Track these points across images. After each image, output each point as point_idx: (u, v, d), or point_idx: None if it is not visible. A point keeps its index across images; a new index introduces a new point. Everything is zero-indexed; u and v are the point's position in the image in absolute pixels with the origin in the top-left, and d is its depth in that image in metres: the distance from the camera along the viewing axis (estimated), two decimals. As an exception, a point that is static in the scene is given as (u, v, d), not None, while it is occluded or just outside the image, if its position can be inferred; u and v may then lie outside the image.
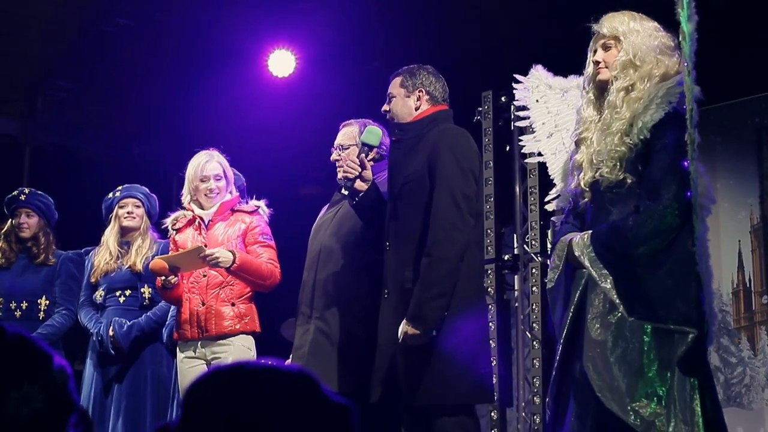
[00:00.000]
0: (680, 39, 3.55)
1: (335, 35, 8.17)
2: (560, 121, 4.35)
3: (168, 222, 5.52)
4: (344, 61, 8.50)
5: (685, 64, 3.51)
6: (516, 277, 8.38)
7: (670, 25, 3.71)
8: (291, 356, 5.12)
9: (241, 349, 5.17)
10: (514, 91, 4.56)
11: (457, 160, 4.32)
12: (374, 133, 4.54)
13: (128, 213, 5.88)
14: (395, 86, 4.58)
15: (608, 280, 3.67)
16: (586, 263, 3.74)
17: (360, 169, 4.43)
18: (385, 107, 4.59)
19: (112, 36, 8.20)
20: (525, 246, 8.30)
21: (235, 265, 5.02)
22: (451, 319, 4.24)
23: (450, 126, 4.48)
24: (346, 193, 4.46)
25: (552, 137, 4.38)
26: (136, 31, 8.14)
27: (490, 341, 7.92)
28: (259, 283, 5.18)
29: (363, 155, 4.48)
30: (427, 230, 4.25)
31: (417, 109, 4.54)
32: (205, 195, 5.32)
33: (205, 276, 5.22)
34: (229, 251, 5.05)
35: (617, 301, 3.63)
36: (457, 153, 4.34)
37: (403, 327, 4.18)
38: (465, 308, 4.30)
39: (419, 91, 4.54)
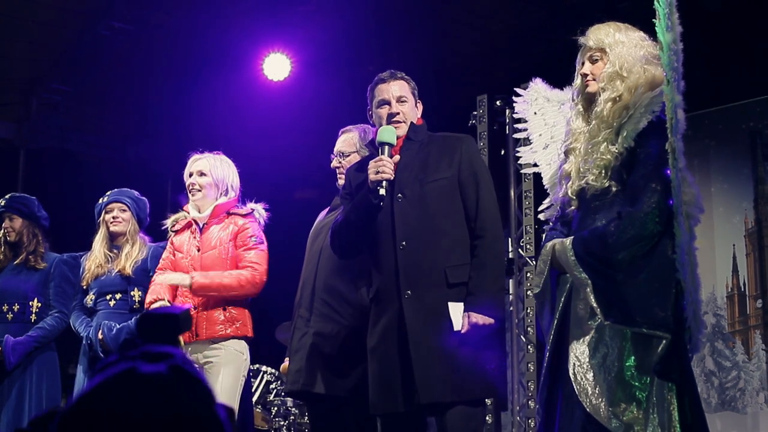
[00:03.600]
0: (659, 50, 3.58)
1: (330, 39, 8.18)
2: (556, 133, 4.38)
3: (168, 223, 5.52)
4: (339, 65, 8.51)
5: (664, 74, 3.54)
6: (511, 281, 8.39)
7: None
8: (288, 359, 5.11)
9: (233, 354, 5.15)
10: (514, 104, 4.65)
11: (486, 166, 4.58)
12: (390, 131, 4.50)
13: (113, 218, 5.89)
14: (406, 91, 4.60)
15: (587, 284, 3.69)
16: (567, 267, 3.77)
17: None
18: (398, 108, 4.55)
19: (108, 39, 8.20)
20: (520, 250, 8.32)
21: (193, 285, 5.04)
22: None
23: (461, 134, 4.72)
24: (384, 193, 4.37)
25: (548, 148, 4.42)
26: (131, 34, 8.14)
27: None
28: (233, 294, 5.15)
29: (396, 157, 4.46)
30: (463, 228, 4.37)
31: (417, 118, 4.63)
32: (189, 192, 5.34)
33: (197, 278, 5.22)
34: (187, 275, 5.06)
35: (595, 304, 3.66)
36: (482, 159, 4.64)
37: (472, 318, 4.18)
38: None
39: (419, 103, 4.67)
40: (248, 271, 5.17)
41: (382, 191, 4.32)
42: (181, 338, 5.03)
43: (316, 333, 4.86)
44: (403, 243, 4.34)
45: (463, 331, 4.17)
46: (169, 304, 5.14)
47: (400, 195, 4.40)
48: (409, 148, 4.50)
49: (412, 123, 4.54)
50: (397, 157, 4.43)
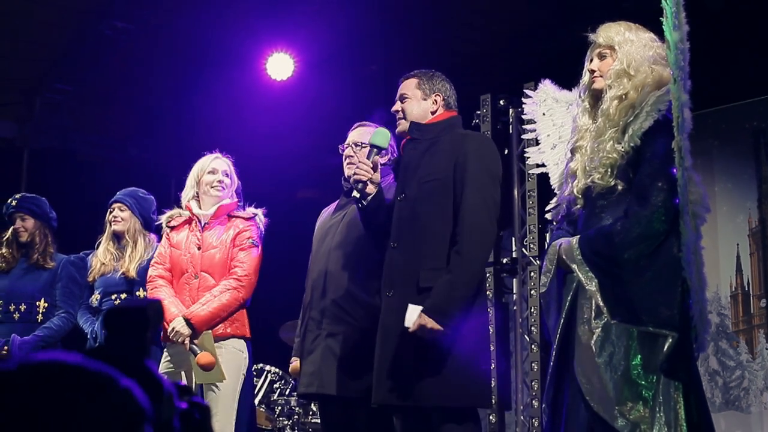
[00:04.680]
0: (666, 48, 3.59)
1: (334, 38, 8.17)
2: (564, 133, 4.38)
3: (162, 219, 5.52)
4: (343, 64, 8.51)
5: (671, 72, 3.55)
6: (514, 280, 8.39)
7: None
8: (296, 360, 5.11)
9: (233, 352, 5.16)
10: (523, 105, 4.65)
11: (487, 167, 4.35)
12: (383, 135, 4.51)
13: (114, 217, 5.91)
14: (410, 87, 4.56)
15: (594, 283, 3.70)
16: (573, 266, 3.77)
17: (372, 172, 4.41)
18: (397, 106, 4.55)
19: (110, 39, 8.20)
20: (523, 249, 8.31)
21: (196, 328, 5.04)
22: (466, 319, 4.23)
23: (473, 132, 4.55)
24: (357, 195, 4.39)
25: (555, 148, 4.43)
26: (134, 34, 8.13)
27: (489, 344, 7.95)
28: (235, 307, 5.17)
29: (376, 157, 4.46)
30: (449, 232, 4.26)
31: (433, 113, 4.54)
32: (212, 187, 5.34)
33: (197, 278, 5.22)
34: (184, 322, 5.05)
35: (601, 303, 3.66)
36: (486, 159, 4.37)
37: (422, 319, 4.08)
38: (479, 311, 4.32)
39: (436, 96, 4.55)
40: (231, 280, 5.18)
41: (355, 193, 4.35)
42: (209, 333, 5.07)
43: (330, 335, 4.85)
44: (395, 243, 4.35)
45: (410, 330, 4.10)
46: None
47: (402, 195, 4.40)
48: (413, 147, 4.48)
49: (413, 122, 4.52)
50: (377, 158, 4.44)
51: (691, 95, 3.53)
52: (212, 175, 5.37)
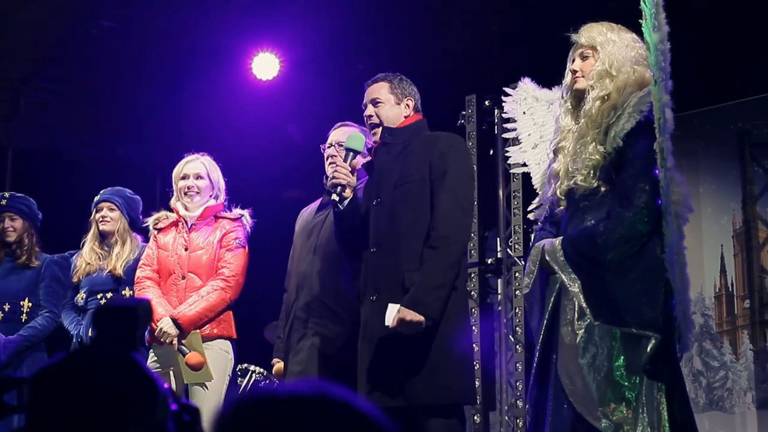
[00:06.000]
0: (646, 49, 3.61)
1: (319, 38, 8.17)
2: (545, 133, 4.40)
3: (150, 221, 5.52)
4: (328, 64, 8.50)
5: (652, 73, 3.56)
6: (499, 280, 8.39)
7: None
8: (279, 360, 5.11)
9: (218, 353, 5.18)
10: (503, 104, 4.65)
11: (461, 165, 4.39)
12: (359, 139, 4.54)
13: (102, 217, 5.89)
14: (382, 92, 4.57)
15: (577, 284, 3.71)
16: (556, 267, 3.78)
17: (351, 176, 4.42)
18: (371, 111, 4.56)
19: (97, 38, 8.18)
20: (508, 250, 8.32)
21: (184, 328, 5.04)
22: (449, 318, 4.23)
23: (443, 132, 4.57)
24: (336, 198, 4.40)
25: (537, 148, 4.45)
26: (120, 33, 8.11)
27: (474, 344, 7.96)
28: (223, 308, 5.20)
29: (354, 161, 4.47)
30: (429, 232, 4.25)
31: (405, 116, 4.57)
32: (184, 193, 5.34)
33: (184, 279, 5.22)
34: (172, 322, 5.04)
35: (584, 305, 3.67)
36: (460, 157, 4.41)
37: (401, 313, 4.08)
38: (460, 309, 4.33)
39: (408, 100, 4.58)
40: (219, 280, 5.20)
41: (334, 196, 4.36)
42: (197, 333, 5.07)
43: (317, 334, 4.85)
44: (374, 248, 4.36)
45: (391, 327, 4.11)
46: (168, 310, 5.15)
47: (378, 199, 4.40)
48: (386, 151, 4.50)
49: (385, 126, 4.52)
50: (355, 162, 4.45)
51: (677, 96, 3.55)
52: (184, 180, 5.36)
